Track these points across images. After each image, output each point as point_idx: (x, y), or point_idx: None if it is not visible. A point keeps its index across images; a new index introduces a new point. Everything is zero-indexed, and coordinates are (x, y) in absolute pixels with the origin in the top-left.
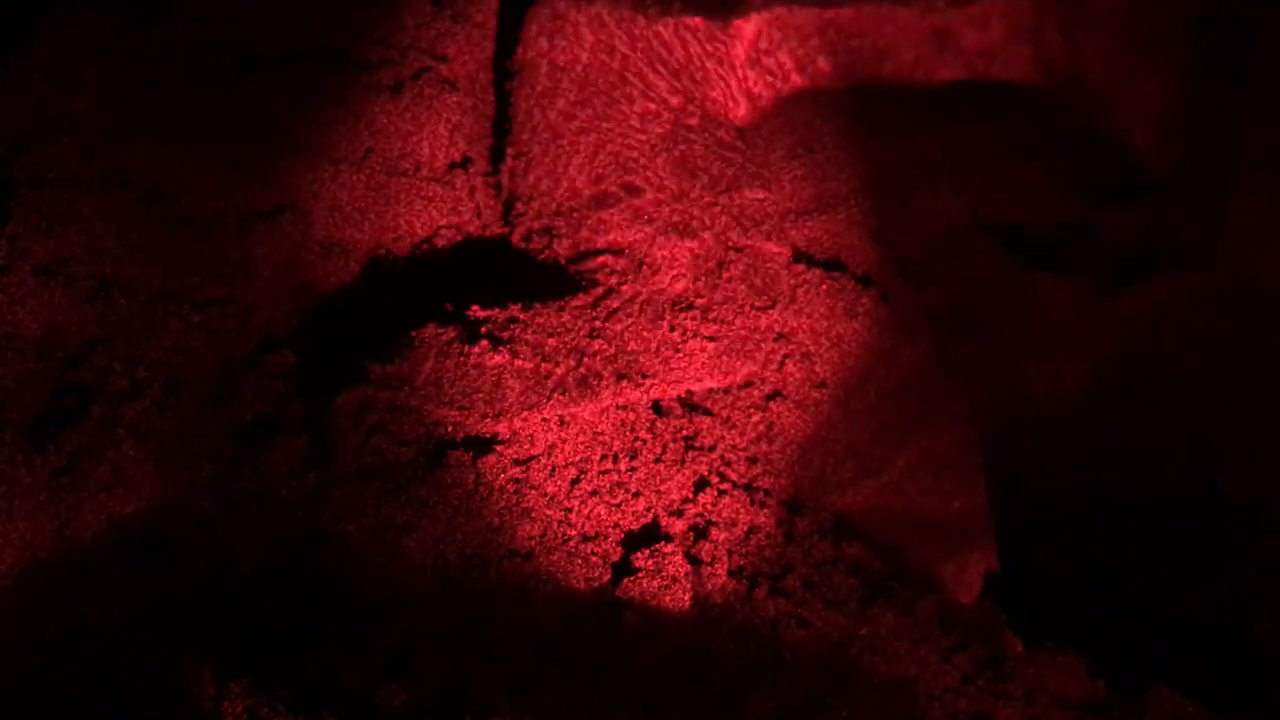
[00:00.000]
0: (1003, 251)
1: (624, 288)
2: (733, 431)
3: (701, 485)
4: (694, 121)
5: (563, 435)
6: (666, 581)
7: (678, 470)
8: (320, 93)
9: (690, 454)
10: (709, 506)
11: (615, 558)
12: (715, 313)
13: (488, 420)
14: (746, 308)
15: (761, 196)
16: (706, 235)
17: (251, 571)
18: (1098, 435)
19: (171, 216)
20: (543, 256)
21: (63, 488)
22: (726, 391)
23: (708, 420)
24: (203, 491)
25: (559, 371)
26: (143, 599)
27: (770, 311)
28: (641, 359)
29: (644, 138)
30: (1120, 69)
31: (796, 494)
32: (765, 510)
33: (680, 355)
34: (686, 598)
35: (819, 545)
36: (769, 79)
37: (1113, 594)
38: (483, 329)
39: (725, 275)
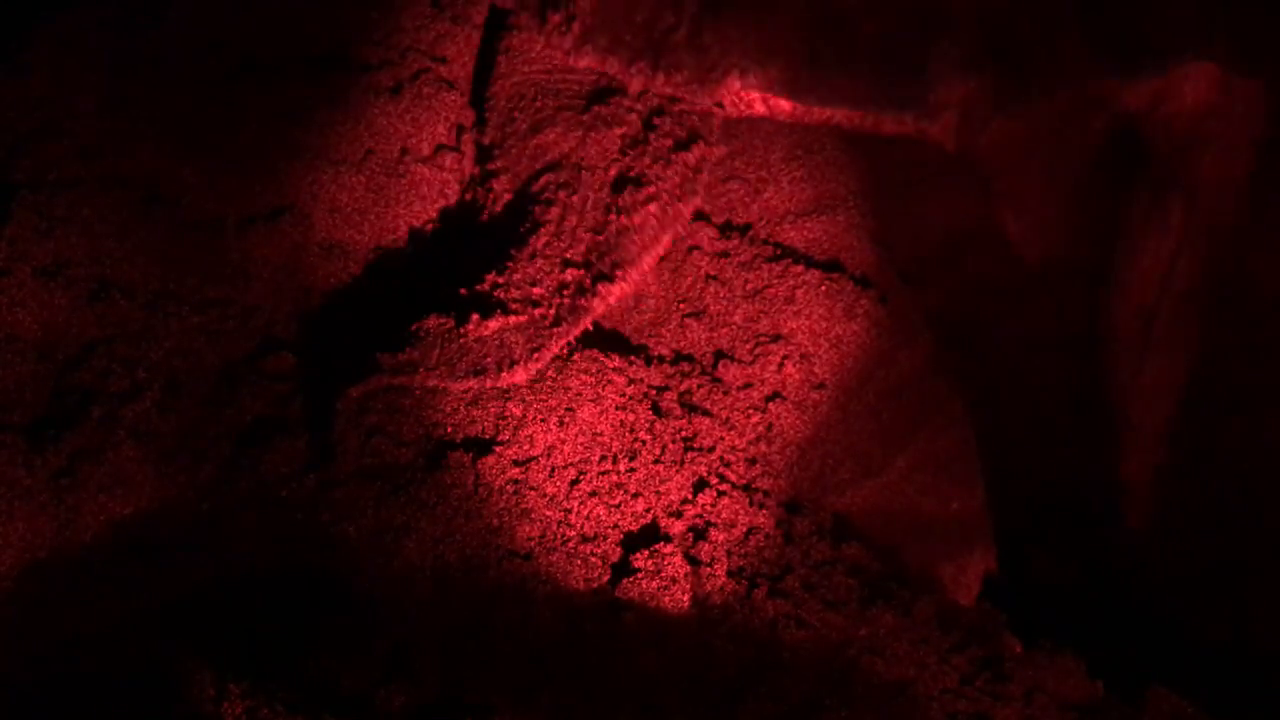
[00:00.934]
0: (1002, 253)
1: (574, 199)
2: (732, 433)
3: (701, 486)
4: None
5: (562, 436)
6: (665, 582)
7: (677, 471)
8: (320, 95)
9: (689, 455)
10: (708, 507)
11: (614, 558)
12: (648, 174)
13: (504, 374)
14: (673, 156)
15: (691, 61)
16: (633, 117)
17: (251, 572)
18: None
19: (171, 219)
20: (498, 206)
21: (62, 489)
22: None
23: (707, 421)
24: (202, 492)
25: (552, 312)
26: (142, 600)
27: (697, 145)
28: (609, 256)
29: (584, 76)
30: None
31: (795, 495)
32: (764, 511)
33: (634, 230)
34: (685, 598)
35: (818, 546)
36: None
37: (1112, 595)
38: (473, 305)
39: (651, 137)
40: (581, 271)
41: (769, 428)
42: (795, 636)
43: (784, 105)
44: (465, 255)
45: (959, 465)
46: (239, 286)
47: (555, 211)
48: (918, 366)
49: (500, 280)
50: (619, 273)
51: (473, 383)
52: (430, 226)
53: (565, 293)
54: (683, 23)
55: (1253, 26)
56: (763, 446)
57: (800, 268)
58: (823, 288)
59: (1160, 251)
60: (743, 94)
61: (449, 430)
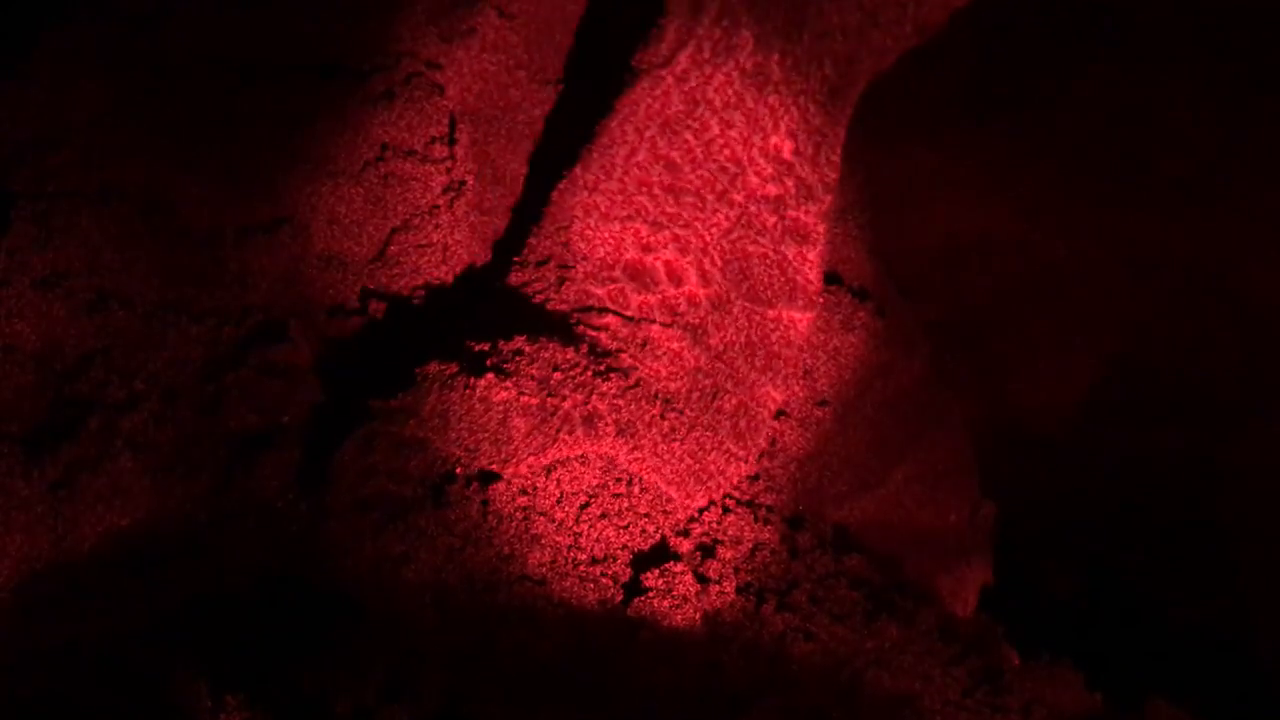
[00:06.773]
0: (1002, 264)
1: (643, 354)
2: None
3: (707, 504)
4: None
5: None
6: (677, 600)
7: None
8: (318, 105)
9: None
10: (715, 525)
11: (625, 578)
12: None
13: (495, 465)
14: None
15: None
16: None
17: (248, 584)
18: (1094, 449)
19: (170, 229)
20: (560, 285)
21: (60, 500)
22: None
23: None
24: (199, 504)
25: (565, 406)
26: (140, 611)
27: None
28: (639, 427)
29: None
30: None
31: (797, 508)
32: (769, 527)
33: (669, 443)
34: (697, 616)
35: (821, 559)
36: None
37: (1110, 607)
38: (488, 361)
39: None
40: (617, 388)
41: (772, 444)
42: (803, 649)
43: None
44: (498, 306)
45: (956, 477)
46: (237, 297)
47: (606, 338)
48: (916, 378)
49: (528, 349)
50: (636, 456)
51: (460, 453)
52: (435, 247)
53: (593, 399)
54: None
55: None
56: (765, 462)
57: None
58: (821, 299)
59: None
60: None
61: (456, 469)
